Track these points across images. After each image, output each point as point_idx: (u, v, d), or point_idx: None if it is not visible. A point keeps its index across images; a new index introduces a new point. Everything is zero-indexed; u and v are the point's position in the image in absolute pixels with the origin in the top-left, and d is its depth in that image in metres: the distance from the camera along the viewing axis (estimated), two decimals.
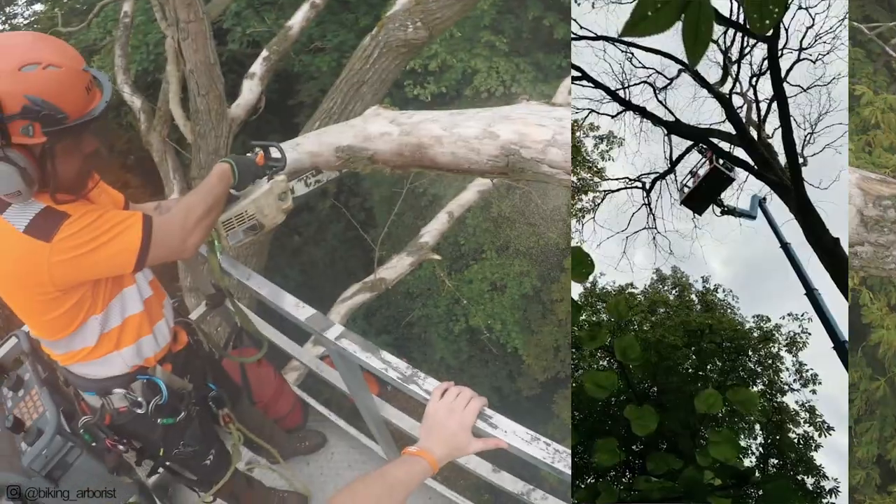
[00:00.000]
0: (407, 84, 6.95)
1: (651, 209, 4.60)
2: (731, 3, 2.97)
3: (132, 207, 1.84)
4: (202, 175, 2.47)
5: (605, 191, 4.71)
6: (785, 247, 4.93)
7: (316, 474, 2.94)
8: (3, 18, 9.22)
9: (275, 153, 1.90)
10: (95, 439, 1.80)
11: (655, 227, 4.84)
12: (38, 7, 9.42)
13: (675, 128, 3.38)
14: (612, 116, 3.85)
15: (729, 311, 7.63)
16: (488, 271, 7.89)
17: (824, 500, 6.17)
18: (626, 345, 1.08)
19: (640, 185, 4.50)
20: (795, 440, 6.52)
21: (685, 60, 3.41)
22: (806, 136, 4.31)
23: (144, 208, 1.91)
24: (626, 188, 4.58)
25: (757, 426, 6.71)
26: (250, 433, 2.38)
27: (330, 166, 2.17)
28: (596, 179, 5.64)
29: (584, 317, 7.46)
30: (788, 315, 7.34)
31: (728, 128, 3.42)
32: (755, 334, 7.32)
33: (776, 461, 6.52)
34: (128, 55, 6.20)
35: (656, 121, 3.33)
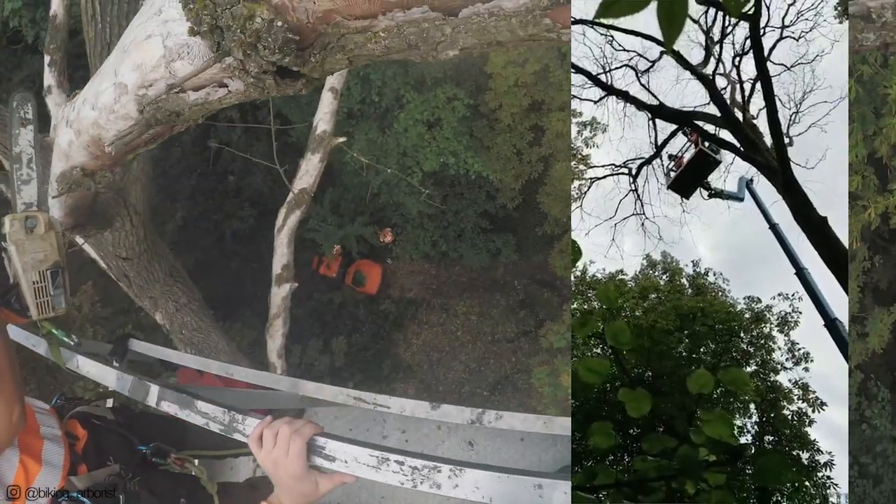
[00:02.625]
0: None
1: (638, 195, 4.62)
2: None
3: None
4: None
5: (591, 178, 4.73)
6: (773, 227, 4.96)
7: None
8: None
9: None
10: None
11: (643, 213, 4.87)
12: None
13: (659, 112, 3.38)
14: (595, 102, 3.86)
15: (720, 293, 7.69)
16: (416, 113, 7.70)
17: (819, 474, 6.26)
18: (616, 330, 1.08)
19: (626, 171, 4.51)
20: (789, 417, 6.61)
21: None
22: (791, 116, 4.33)
23: None
24: (612, 175, 4.60)
25: (752, 405, 6.79)
26: (218, 451, 2.27)
27: (65, 201, 1.84)
28: (581, 167, 5.65)
29: (575, 305, 7.50)
30: (779, 295, 7.42)
31: (713, 110, 3.43)
32: (747, 315, 7.39)
33: (771, 438, 6.60)
34: None
35: (640, 105, 3.33)
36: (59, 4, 3.82)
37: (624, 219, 4.97)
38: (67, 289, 1.77)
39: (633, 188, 4.59)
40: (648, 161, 4.35)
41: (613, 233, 5.75)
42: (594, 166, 4.77)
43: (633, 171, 4.49)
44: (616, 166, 4.58)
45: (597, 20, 3.18)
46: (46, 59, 3.75)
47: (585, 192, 4.91)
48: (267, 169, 7.89)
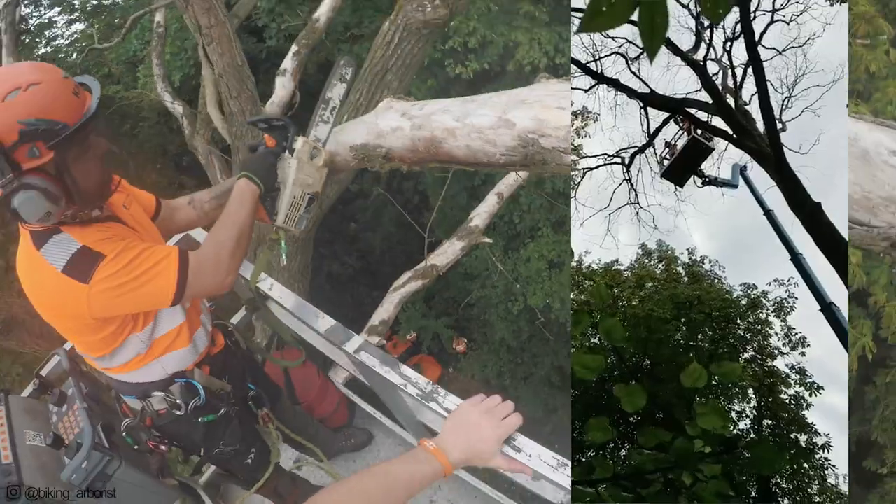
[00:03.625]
0: (448, 64, 6.79)
1: (632, 184, 4.60)
2: None
3: (164, 206, 1.91)
4: None
5: (584, 168, 4.69)
6: (768, 214, 4.95)
7: (362, 470, 2.91)
8: (45, 41, 9.17)
9: (276, 123, 1.87)
10: (137, 442, 1.88)
11: (638, 203, 4.85)
12: (78, 26, 9.34)
13: (650, 99, 3.36)
14: (586, 91, 3.83)
15: (716, 281, 7.71)
16: (545, 249, 7.76)
17: (818, 455, 6.32)
18: (609, 327, 1.08)
19: (619, 160, 4.49)
20: (787, 401, 6.65)
21: None
22: (783, 101, 4.31)
23: (178, 204, 1.97)
24: (605, 164, 4.57)
25: (750, 391, 6.84)
26: (292, 433, 2.42)
27: (347, 166, 2.11)
28: (574, 157, 5.61)
29: (572, 296, 7.51)
30: (775, 281, 7.46)
31: (704, 96, 3.41)
32: (743, 302, 7.42)
33: (770, 422, 6.65)
34: (165, 63, 6.29)
35: (631, 93, 3.30)
36: (328, 8, 4.35)
37: (618, 208, 4.96)
38: (313, 218, 2.00)
39: (627, 177, 4.58)
40: (641, 150, 4.34)
41: (608, 223, 5.75)
42: (586, 156, 4.74)
43: (626, 161, 4.47)
44: (609, 156, 4.57)
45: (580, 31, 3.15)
46: (293, 48, 4.27)
47: (579, 183, 4.89)
48: (389, 232, 8.11)
